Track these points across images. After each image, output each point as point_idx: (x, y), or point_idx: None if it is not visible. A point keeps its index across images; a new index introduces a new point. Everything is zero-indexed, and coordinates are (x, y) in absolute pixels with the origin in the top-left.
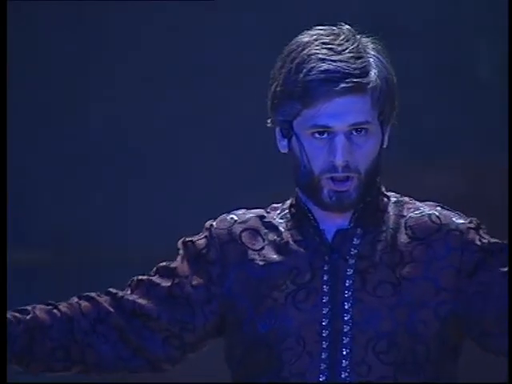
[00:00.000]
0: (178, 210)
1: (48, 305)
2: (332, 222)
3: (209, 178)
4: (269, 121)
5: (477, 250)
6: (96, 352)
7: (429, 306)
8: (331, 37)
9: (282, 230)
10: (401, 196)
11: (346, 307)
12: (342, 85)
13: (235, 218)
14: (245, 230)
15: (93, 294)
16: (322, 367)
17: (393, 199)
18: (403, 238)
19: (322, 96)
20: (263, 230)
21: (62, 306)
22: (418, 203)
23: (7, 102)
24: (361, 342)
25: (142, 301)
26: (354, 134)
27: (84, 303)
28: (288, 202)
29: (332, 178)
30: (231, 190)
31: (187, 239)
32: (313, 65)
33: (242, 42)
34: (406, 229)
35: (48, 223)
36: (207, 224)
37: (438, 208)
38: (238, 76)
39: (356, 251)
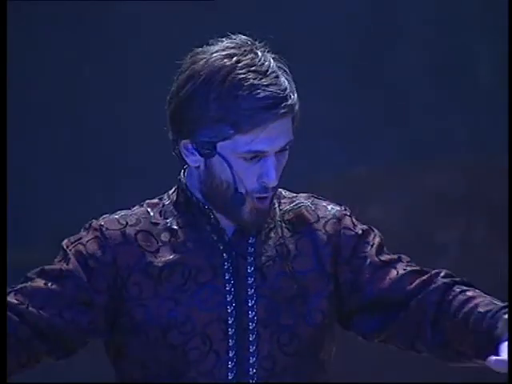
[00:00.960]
0: None
1: None
2: (228, 221)
3: None
4: (170, 134)
5: (352, 235)
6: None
7: (323, 294)
8: (249, 56)
9: (176, 228)
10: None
11: (250, 304)
12: (281, 111)
13: (126, 220)
14: (138, 232)
15: None
16: (229, 365)
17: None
18: (285, 232)
19: (260, 123)
20: (155, 231)
21: None
22: (292, 195)
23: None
24: (265, 337)
25: (45, 314)
26: (279, 152)
27: None
28: (169, 198)
29: (258, 198)
30: None
31: (74, 240)
32: (247, 92)
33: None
34: (287, 224)
35: (48, 223)
36: (94, 224)
37: (312, 199)
38: None
39: (253, 249)
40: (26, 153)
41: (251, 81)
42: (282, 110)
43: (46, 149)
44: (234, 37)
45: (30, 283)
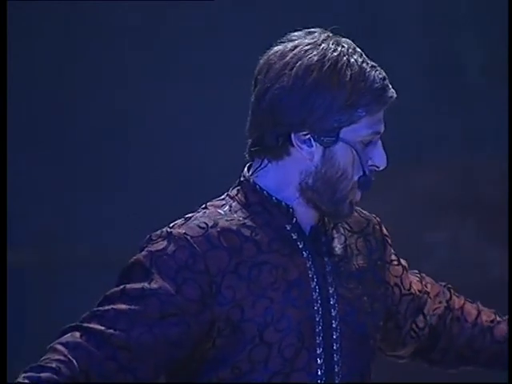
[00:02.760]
0: (167, 211)
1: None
2: (306, 219)
3: (204, 178)
4: (269, 131)
5: (390, 243)
6: None
7: (377, 295)
8: (352, 48)
9: (254, 226)
10: None
11: (331, 302)
12: (392, 89)
13: (205, 222)
14: (220, 232)
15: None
16: (318, 362)
17: None
18: (345, 232)
19: (384, 102)
20: (238, 230)
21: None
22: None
23: None
24: (346, 335)
25: (134, 333)
26: None
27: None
28: (233, 199)
29: (361, 186)
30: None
31: (154, 252)
32: (372, 73)
33: (240, 42)
34: (349, 228)
35: (34, 224)
36: (176, 233)
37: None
38: (239, 76)
39: (325, 248)
40: (12, 155)
41: (368, 63)
42: (393, 90)
43: (32, 151)
44: (311, 31)
45: (111, 307)
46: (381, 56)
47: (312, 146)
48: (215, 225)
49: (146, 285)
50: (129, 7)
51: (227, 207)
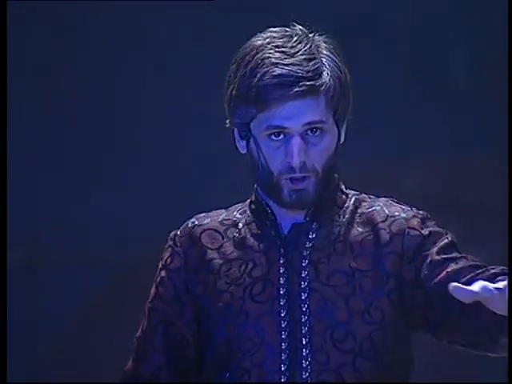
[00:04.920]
0: (156, 212)
1: None
2: (289, 217)
3: (192, 180)
4: (227, 121)
5: (417, 235)
6: None
7: (382, 293)
8: (284, 39)
9: (241, 225)
10: (360, 193)
11: (303, 298)
12: (296, 89)
13: (195, 221)
14: (204, 231)
15: None
16: (282, 357)
17: (351, 197)
18: (355, 231)
19: (275, 100)
20: (222, 228)
21: None
22: (374, 200)
23: None
24: (318, 330)
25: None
26: (310, 134)
27: None
28: (249, 199)
29: (290, 178)
30: (228, 191)
31: (159, 268)
32: (266, 69)
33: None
34: (357, 224)
35: (21, 223)
36: (171, 234)
37: (390, 202)
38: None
39: (311, 244)
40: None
41: (273, 60)
42: (298, 89)
43: (19, 148)
44: (291, 26)
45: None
46: (368, 55)
47: (239, 140)
48: (203, 224)
49: (145, 324)
50: (129, 7)
51: (239, 207)
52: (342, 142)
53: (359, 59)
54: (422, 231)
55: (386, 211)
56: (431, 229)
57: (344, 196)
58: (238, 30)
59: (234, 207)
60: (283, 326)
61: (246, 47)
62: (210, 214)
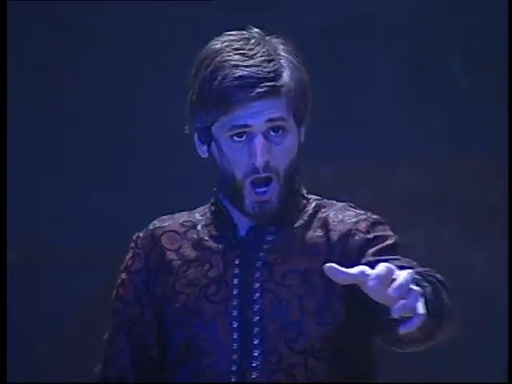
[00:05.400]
0: (155, 209)
1: None
2: (247, 219)
3: (187, 180)
4: (186, 127)
5: (361, 238)
6: None
7: (334, 294)
8: (242, 42)
9: (200, 227)
10: (322, 199)
11: (255, 298)
12: (257, 90)
13: (156, 223)
14: (164, 232)
15: None
16: (234, 357)
17: (312, 201)
18: (311, 234)
19: (238, 102)
20: (182, 230)
21: None
22: (332, 204)
23: None
24: (271, 331)
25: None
26: (272, 133)
27: None
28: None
29: (254, 185)
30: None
31: (120, 271)
32: (227, 72)
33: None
34: (314, 228)
35: (21, 223)
36: (134, 236)
37: (347, 206)
38: None
39: (267, 246)
40: None
41: (233, 62)
42: (260, 90)
43: (21, 149)
44: (248, 29)
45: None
46: (367, 55)
47: (200, 145)
48: (163, 226)
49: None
50: (129, 7)
51: (201, 209)
52: (302, 141)
53: (359, 59)
54: (368, 234)
55: (340, 215)
56: (378, 233)
57: (305, 201)
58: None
59: (197, 209)
60: (235, 326)
61: (204, 51)
62: (172, 215)
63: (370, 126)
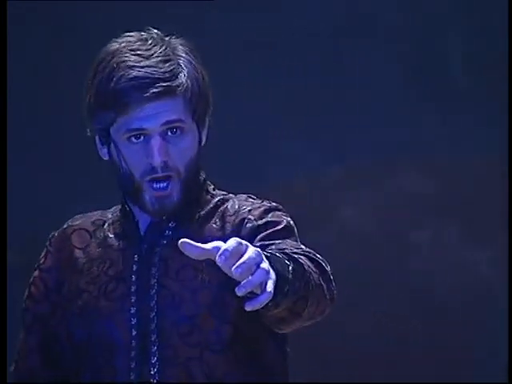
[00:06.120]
0: None
1: None
2: (147, 215)
3: None
4: (88, 130)
5: (253, 225)
6: None
7: (228, 286)
8: (139, 43)
9: (106, 225)
10: (228, 194)
11: (151, 294)
12: (152, 90)
13: (70, 222)
14: (74, 231)
15: None
16: (132, 354)
17: (217, 197)
18: (209, 227)
19: (133, 103)
20: (92, 228)
21: None
22: (234, 198)
23: None
24: (165, 326)
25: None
26: (169, 134)
27: None
28: None
29: (152, 181)
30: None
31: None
32: (122, 73)
33: (242, 42)
34: (213, 221)
35: (21, 223)
36: (50, 235)
37: (246, 197)
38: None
39: (165, 241)
40: None
41: (128, 63)
42: (155, 90)
43: (21, 149)
44: (146, 30)
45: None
46: (366, 56)
47: (101, 147)
48: (76, 224)
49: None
50: (129, 7)
51: (113, 208)
52: (203, 143)
53: (359, 59)
54: (259, 221)
55: (237, 206)
56: (269, 219)
57: (209, 196)
58: (238, 30)
59: (113, 208)
60: (133, 323)
61: (101, 53)
62: (87, 214)
63: (370, 126)
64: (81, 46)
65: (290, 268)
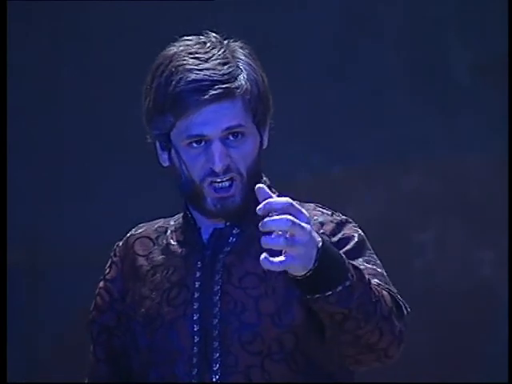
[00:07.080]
0: (155, 212)
1: None
2: (210, 222)
3: None
4: (148, 136)
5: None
6: None
7: (293, 296)
8: (197, 46)
9: (169, 232)
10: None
11: (215, 301)
12: (211, 92)
13: (133, 231)
14: (137, 239)
15: None
16: (194, 361)
17: None
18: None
19: (192, 106)
20: (154, 235)
21: None
22: (306, 208)
23: None
24: (228, 333)
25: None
26: (231, 138)
27: None
28: None
29: (213, 185)
30: None
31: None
32: (180, 76)
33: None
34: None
35: (21, 223)
36: (115, 245)
37: (313, 206)
38: None
39: (229, 248)
40: None
41: (187, 66)
42: (214, 92)
43: (21, 149)
44: (204, 34)
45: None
46: (368, 57)
47: (161, 153)
48: (138, 232)
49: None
50: (129, 7)
51: (177, 216)
52: (264, 146)
53: (359, 59)
54: (333, 237)
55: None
56: (342, 236)
57: None
58: (238, 30)
59: (176, 216)
60: (196, 329)
61: (159, 57)
62: (150, 222)
63: (370, 127)
64: (81, 46)
65: (350, 275)
